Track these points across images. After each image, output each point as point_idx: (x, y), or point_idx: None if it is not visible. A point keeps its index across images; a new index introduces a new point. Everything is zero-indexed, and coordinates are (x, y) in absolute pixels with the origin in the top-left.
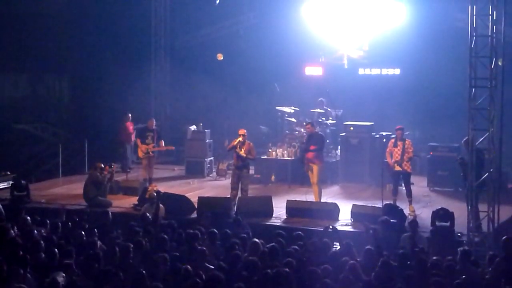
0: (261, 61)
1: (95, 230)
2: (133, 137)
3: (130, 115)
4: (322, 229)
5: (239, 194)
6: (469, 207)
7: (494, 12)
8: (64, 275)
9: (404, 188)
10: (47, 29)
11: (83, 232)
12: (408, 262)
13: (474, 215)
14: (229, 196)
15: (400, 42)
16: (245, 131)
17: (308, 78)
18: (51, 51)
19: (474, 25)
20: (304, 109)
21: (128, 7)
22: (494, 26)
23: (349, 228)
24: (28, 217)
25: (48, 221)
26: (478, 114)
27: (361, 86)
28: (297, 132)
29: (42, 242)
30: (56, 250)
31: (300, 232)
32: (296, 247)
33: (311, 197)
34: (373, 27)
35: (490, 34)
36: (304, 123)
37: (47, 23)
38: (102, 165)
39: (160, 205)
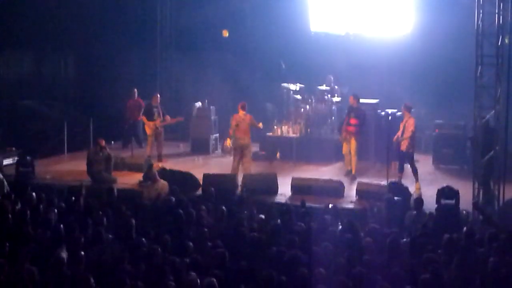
0: (267, 37)
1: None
2: (139, 114)
3: (136, 90)
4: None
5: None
6: (475, 187)
7: None
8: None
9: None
10: (53, 7)
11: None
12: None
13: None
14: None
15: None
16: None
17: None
18: (56, 29)
19: (481, 2)
20: (311, 85)
21: None
22: (502, 3)
23: (353, 206)
24: (34, 193)
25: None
26: (485, 92)
27: (367, 54)
28: (302, 109)
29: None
30: (61, 226)
31: (304, 209)
32: (302, 224)
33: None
34: None
35: (497, 11)
36: (351, 96)
37: (53, 0)
38: (102, 142)
39: (164, 181)
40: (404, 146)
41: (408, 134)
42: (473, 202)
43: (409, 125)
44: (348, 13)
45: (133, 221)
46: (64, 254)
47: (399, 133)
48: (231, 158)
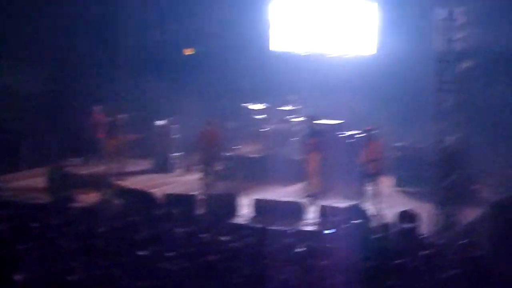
0: (229, 56)
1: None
2: (102, 131)
3: (98, 107)
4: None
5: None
6: (436, 209)
7: (460, 18)
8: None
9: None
10: (21, 19)
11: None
12: None
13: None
14: (195, 193)
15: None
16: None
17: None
18: (20, 41)
19: (441, 30)
20: (272, 106)
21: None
22: (461, 32)
23: (315, 228)
24: None
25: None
26: (446, 117)
27: (329, 74)
28: (264, 129)
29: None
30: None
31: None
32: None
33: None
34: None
35: (456, 38)
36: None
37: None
38: (66, 159)
39: (122, 201)
40: (374, 167)
41: (379, 155)
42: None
43: (378, 146)
44: (310, 33)
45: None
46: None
47: (364, 154)
48: (194, 176)
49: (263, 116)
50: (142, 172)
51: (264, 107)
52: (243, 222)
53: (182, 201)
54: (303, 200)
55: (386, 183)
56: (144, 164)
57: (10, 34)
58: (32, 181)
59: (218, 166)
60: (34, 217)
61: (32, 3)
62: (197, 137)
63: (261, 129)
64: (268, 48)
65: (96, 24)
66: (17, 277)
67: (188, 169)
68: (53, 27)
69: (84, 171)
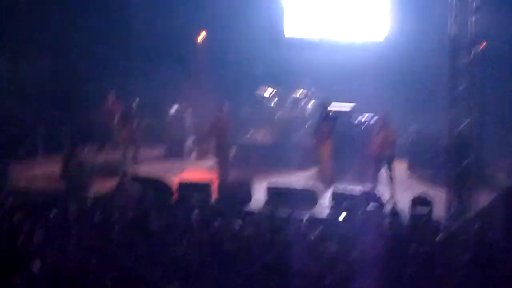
0: (243, 43)
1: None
2: (116, 118)
3: (112, 94)
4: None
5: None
6: (449, 194)
7: (474, 2)
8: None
9: (385, 174)
10: (29, 8)
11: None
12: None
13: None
14: (208, 180)
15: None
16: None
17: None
18: (32, 29)
19: (454, 13)
20: (285, 91)
21: None
22: (474, 15)
23: (328, 214)
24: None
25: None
26: (459, 102)
27: (342, 60)
28: (277, 116)
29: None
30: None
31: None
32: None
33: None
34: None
35: (469, 22)
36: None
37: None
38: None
39: (138, 188)
40: (388, 153)
41: (393, 141)
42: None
43: (392, 132)
44: (323, 19)
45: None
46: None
47: (377, 140)
48: (207, 162)
49: (276, 102)
50: (156, 159)
51: (277, 93)
52: (257, 209)
53: (196, 188)
54: (316, 186)
55: (399, 168)
56: (158, 151)
57: (21, 24)
58: (47, 169)
59: (231, 153)
60: (49, 205)
61: None
62: (209, 123)
63: (274, 115)
64: (283, 35)
65: (106, 10)
66: (34, 267)
67: (202, 155)
68: (63, 17)
69: (99, 158)
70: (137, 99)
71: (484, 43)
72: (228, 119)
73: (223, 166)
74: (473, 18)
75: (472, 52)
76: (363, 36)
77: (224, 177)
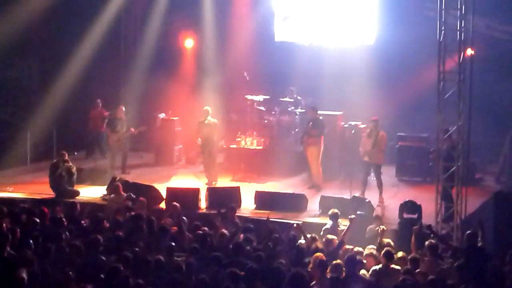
0: (232, 48)
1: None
2: (104, 125)
3: (99, 101)
4: (289, 222)
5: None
6: (438, 200)
7: (463, 6)
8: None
9: (374, 179)
10: (20, 14)
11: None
12: None
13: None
14: (197, 186)
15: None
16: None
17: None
18: (22, 37)
19: (443, 19)
20: (274, 97)
21: None
22: (463, 20)
23: (317, 220)
24: None
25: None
26: (447, 107)
27: (331, 65)
28: (266, 121)
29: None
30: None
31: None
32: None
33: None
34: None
35: (458, 28)
36: (308, 108)
37: (15, 8)
38: (64, 155)
39: (126, 195)
40: (376, 158)
41: (382, 147)
42: (427, 226)
43: (381, 138)
44: (312, 24)
45: (99, 237)
46: (23, 274)
47: (366, 145)
48: (196, 168)
49: (265, 107)
50: (145, 165)
51: (267, 98)
52: (246, 214)
53: (185, 194)
54: (306, 192)
55: (388, 173)
56: (147, 157)
57: (14, 30)
58: (36, 175)
59: (220, 158)
60: (39, 212)
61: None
62: (196, 129)
63: (263, 120)
64: (274, 39)
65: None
66: (23, 273)
67: (190, 162)
68: (57, 24)
69: (87, 164)
70: (124, 107)
71: (472, 49)
72: (214, 124)
73: (210, 171)
74: (462, 24)
75: (461, 56)
76: (352, 40)
77: (211, 183)
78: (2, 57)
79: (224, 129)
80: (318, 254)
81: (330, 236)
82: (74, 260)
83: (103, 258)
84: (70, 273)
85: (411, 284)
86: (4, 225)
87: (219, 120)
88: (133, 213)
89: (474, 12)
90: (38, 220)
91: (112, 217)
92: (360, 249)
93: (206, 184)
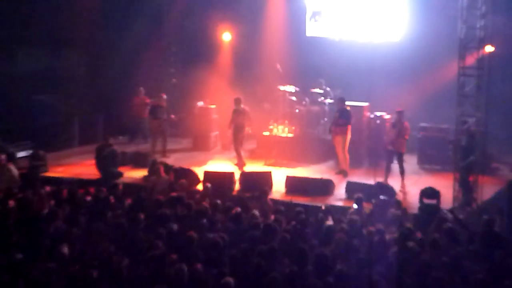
0: (266, 42)
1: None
2: (146, 112)
3: (142, 89)
4: (318, 205)
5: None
6: (455, 187)
7: (483, 7)
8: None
9: (397, 166)
10: (69, 7)
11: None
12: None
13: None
14: (231, 171)
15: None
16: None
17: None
18: (71, 28)
19: (464, 17)
20: (305, 88)
21: None
22: (483, 20)
23: (342, 204)
24: (44, 187)
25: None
26: (466, 100)
27: (359, 59)
28: (297, 111)
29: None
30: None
31: (300, 208)
32: (294, 222)
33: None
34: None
35: (478, 26)
36: (336, 99)
37: (68, 2)
38: (109, 138)
39: (167, 177)
40: (400, 147)
41: (406, 136)
42: (449, 209)
43: (405, 128)
44: (342, 20)
45: (141, 216)
46: (65, 249)
47: (391, 134)
48: (231, 153)
49: (297, 97)
50: (183, 150)
51: (298, 89)
52: (277, 197)
53: (219, 177)
54: (333, 177)
55: (410, 161)
56: (185, 143)
57: (56, 22)
58: (83, 157)
59: (253, 145)
60: (85, 191)
61: None
62: (231, 117)
63: (295, 109)
64: (305, 34)
65: (139, 10)
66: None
67: (226, 147)
68: (103, 18)
69: (130, 148)
70: (165, 95)
71: (491, 46)
72: (245, 113)
73: (239, 156)
74: (482, 23)
75: (480, 53)
76: (379, 37)
77: (241, 167)
78: (53, 49)
79: (257, 118)
80: (340, 234)
81: (354, 217)
82: (117, 236)
83: (142, 234)
84: (112, 247)
85: (428, 264)
86: (52, 202)
87: (253, 109)
88: (174, 194)
89: (494, 11)
90: (85, 199)
91: (153, 197)
92: (381, 226)
93: (235, 165)
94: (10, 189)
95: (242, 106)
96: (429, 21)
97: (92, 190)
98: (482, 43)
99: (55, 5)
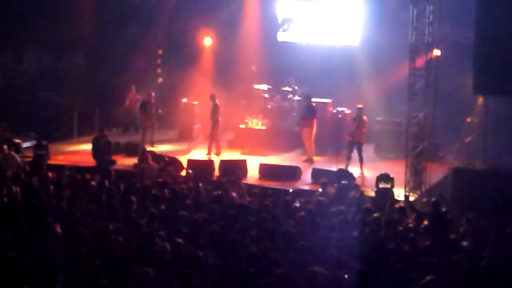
0: (243, 46)
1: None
2: (137, 107)
3: (133, 87)
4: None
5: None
6: (407, 173)
7: (431, 16)
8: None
9: (357, 155)
10: (69, 13)
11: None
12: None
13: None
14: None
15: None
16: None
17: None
18: (71, 31)
19: (414, 25)
20: (277, 87)
21: None
22: (431, 27)
23: (308, 187)
24: (49, 173)
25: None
26: (416, 97)
27: (320, 60)
28: (269, 106)
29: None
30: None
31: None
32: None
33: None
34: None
35: (427, 32)
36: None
37: (68, 8)
38: (103, 130)
39: (155, 164)
40: (360, 138)
41: (364, 129)
42: (404, 195)
43: (364, 122)
44: (308, 26)
45: (133, 198)
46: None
47: (352, 127)
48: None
49: (269, 95)
50: (170, 141)
51: (271, 87)
52: (251, 182)
53: (201, 165)
54: (301, 164)
55: (368, 150)
56: (171, 134)
57: (58, 25)
58: (81, 147)
59: (231, 136)
60: (82, 177)
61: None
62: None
63: (267, 105)
64: (276, 39)
65: (131, 16)
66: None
67: (207, 138)
68: (99, 22)
69: (123, 139)
70: (153, 92)
71: (438, 50)
72: (219, 108)
73: (216, 146)
74: (430, 30)
75: (428, 56)
76: (341, 41)
77: (217, 154)
78: (55, 51)
79: (235, 112)
80: (301, 213)
81: (321, 199)
82: (111, 217)
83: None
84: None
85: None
86: (51, 187)
87: (231, 105)
88: (160, 179)
89: (441, 20)
90: (83, 183)
91: (143, 182)
92: (343, 207)
93: (206, 154)
94: (18, 174)
95: (216, 101)
96: (384, 28)
97: (87, 176)
98: (430, 47)
99: (56, 9)
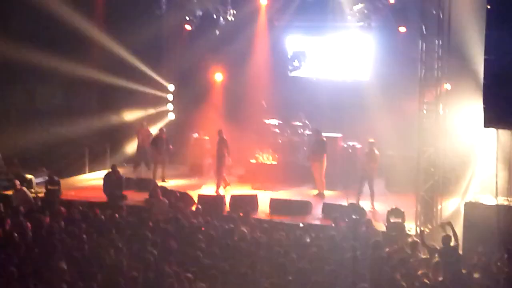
0: (254, 81)
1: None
2: (148, 142)
3: (145, 123)
4: (297, 224)
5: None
6: (417, 207)
7: (440, 50)
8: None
9: (368, 189)
10: (77, 51)
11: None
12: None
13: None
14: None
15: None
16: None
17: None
18: (83, 70)
19: (424, 59)
20: (287, 121)
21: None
22: (440, 61)
23: (318, 222)
24: (61, 208)
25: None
26: (427, 132)
27: (331, 95)
28: (280, 141)
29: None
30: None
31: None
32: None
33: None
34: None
35: (436, 67)
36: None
37: (81, 46)
38: (115, 167)
39: (165, 199)
40: (372, 172)
41: (377, 163)
42: (416, 230)
43: (377, 156)
44: (319, 62)
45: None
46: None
47: (363, 162)
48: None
49: (279, 129)
50: (181, 176)
51: (281, 122)
52: (262, 217)
53: (212, 200)
54: (311, 199)
55: (379, 185)
56: (182, 169)
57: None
58: (92, 183)
59: (241, 171)
60: (92, 212)
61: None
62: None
63: (278, 140)
64: (286, 74)
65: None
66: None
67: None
68: (104, 59)
69: (134, 174)
70: (164, 128)
71: (448, 83)
72: (226, 144)
73: (223, 179)
74: (439, 63)
75: (438, 90)
76: (351, 76)
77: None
78: (67, 87)
79: (245, 147)
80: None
81: (332, 233)
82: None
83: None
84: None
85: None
86: (62, 223)
87: (241, 140)
88: (171, 215)
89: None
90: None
91: (153, 217)
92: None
93: (223, 188)
94: (31, 210)
95: (223, 136)
96: (394, 62)
97: (97, 211)
98: (439, 81)
99: (69, 47)
